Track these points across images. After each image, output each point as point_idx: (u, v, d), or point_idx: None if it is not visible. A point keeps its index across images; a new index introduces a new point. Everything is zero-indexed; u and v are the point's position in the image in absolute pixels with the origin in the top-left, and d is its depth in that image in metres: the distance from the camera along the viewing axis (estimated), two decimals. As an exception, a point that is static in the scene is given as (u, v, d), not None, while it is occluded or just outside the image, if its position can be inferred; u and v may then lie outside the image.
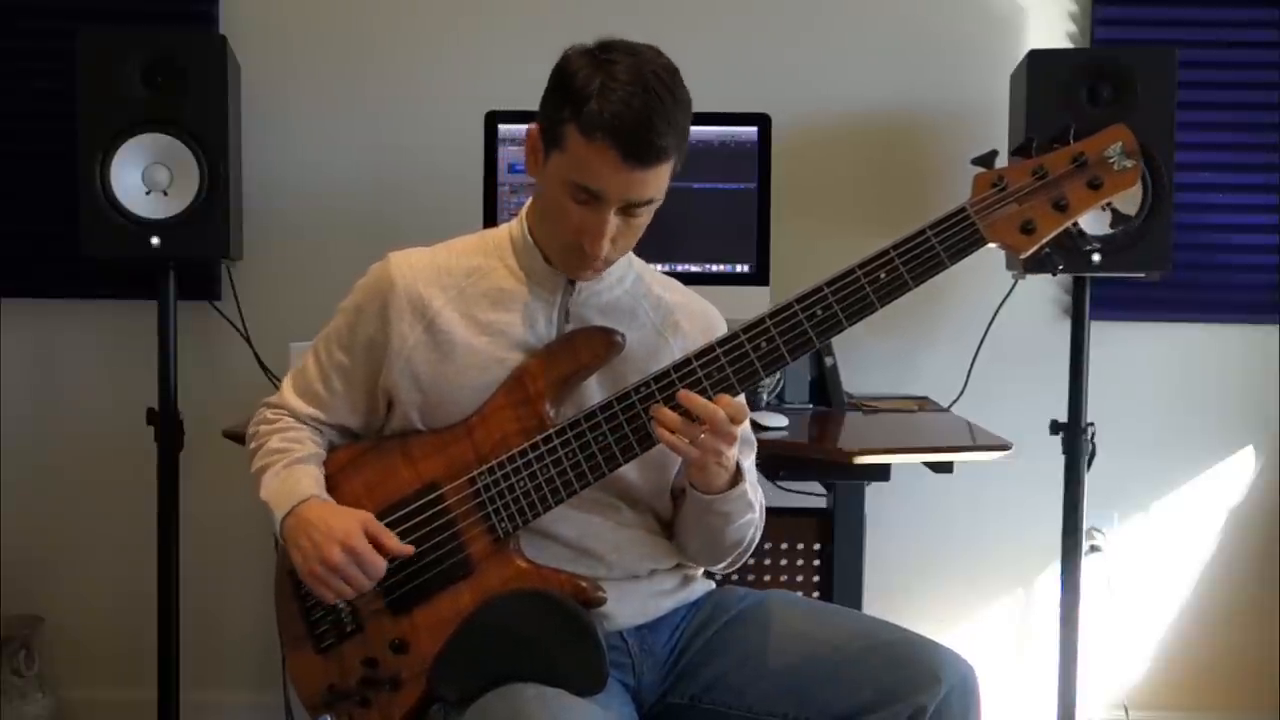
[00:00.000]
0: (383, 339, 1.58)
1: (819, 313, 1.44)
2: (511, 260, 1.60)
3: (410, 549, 1.51)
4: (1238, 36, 2.75)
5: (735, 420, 1.43)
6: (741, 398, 1.49)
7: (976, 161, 1.46)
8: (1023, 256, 1.46)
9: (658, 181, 1.47)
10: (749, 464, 1.65)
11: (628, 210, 1.47)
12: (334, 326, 1.64)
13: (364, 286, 1.61)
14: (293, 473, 1.57)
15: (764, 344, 1.45)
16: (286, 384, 1.68)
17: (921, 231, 1.43)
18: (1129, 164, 1.43)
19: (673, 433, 1.43)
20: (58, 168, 2.50)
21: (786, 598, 1.72)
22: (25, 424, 2.80)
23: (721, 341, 1.46)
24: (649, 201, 1.48)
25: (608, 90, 1.41)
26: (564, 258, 1.54)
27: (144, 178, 2.37)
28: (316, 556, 1.48)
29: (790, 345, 1.44)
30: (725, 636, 1.62)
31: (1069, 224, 1.45)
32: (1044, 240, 1.44)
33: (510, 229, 1.63)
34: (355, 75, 2.76)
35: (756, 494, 1.61)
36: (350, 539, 1.48)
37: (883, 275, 1.43)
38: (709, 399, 1.43)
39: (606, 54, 1.45)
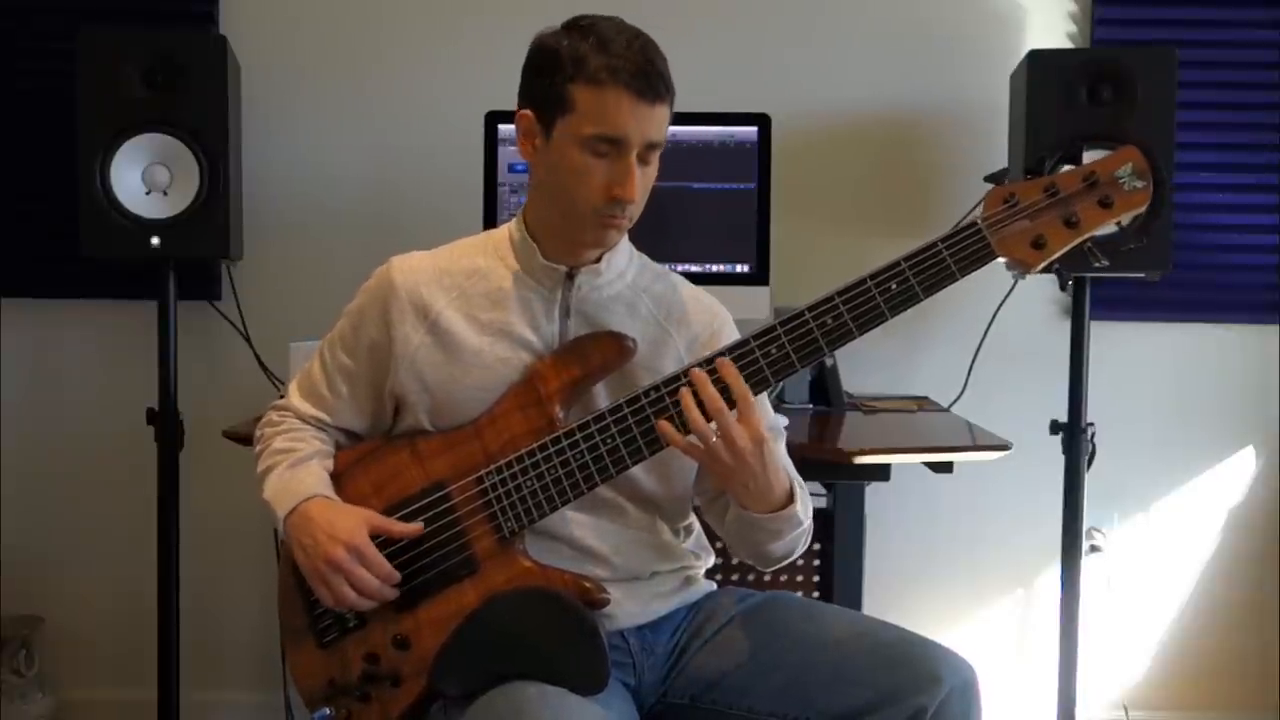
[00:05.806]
0: (386, 342, 1.58)
1: (829, 322, 1.45)
2: (511, 259, 1.61)
3: (419, 528, 1.52)
4: (1238, 36, 2.75)
5: (738, 406, 1.43)
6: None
7: (989, 178, 1.48)
8: (1032, 272, 1.49)
9: (665, 119, 1.51)
10: (780, 449, 1.61)
11: (644, 156, 1.50)
12: (338, 330, 1.65)
13: (366, 290, 1.63)
14: (296, 473, 1.57)
15: (774, 351, 1.46)
16: (292, 387, 1.69)
17: (933, 244, 1.45)
18: (1139, 184, 1.45)
19: (685, 433, 1.44)
20: (58, 168, 2.50)
21: (786, 598, 1.72)
22: (25, 424, 2.80)
23: (732, 348, 1.47)
24: (659, 144, 1.51)
25: (604, 43, 1.46)
26: (591, 222, 1.53)
27: (144, 178, 2.36)
28: (320, 555, 1.49)
29: (800, 353, 1.46)
30: (726, 637, 1.62)
31: (1079, 241, 1.47)
32: (1054, 256, 1.46)
33: (509, 229, 1.64)
34: (355, 75, 2.77)
35: (807, 507, 1.59)
36: (354, 537, 1.49)
37: (894, 286, 1.44)
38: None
39: (581, 23, 1.50)
